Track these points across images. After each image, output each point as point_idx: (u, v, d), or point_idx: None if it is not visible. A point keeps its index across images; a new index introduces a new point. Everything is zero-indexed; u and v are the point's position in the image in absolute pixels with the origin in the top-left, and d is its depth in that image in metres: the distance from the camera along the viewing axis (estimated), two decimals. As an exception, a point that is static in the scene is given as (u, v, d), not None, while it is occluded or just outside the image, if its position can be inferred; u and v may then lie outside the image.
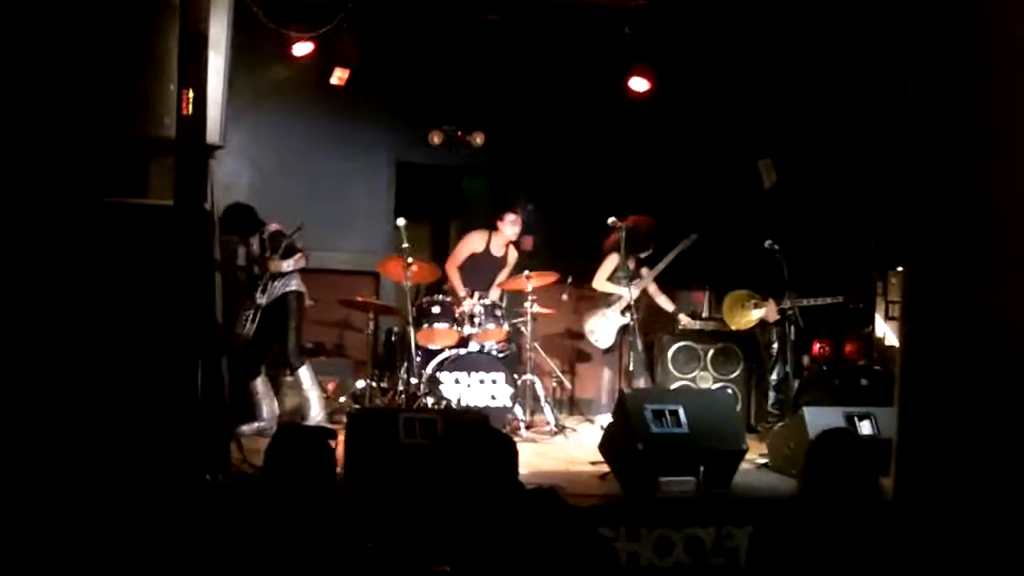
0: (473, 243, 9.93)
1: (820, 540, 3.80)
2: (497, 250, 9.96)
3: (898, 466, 4.56)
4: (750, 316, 9.71)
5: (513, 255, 10.08)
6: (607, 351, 9.87)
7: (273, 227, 8.75)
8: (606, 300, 9.78)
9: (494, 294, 9.85)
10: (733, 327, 9.93)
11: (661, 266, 9.73)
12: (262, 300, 8.63)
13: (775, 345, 9.68)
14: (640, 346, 9.54)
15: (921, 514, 4.36)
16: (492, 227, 9.94)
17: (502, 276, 9.96)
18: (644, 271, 9.82)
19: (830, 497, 3.89)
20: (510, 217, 9.88)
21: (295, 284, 8.80)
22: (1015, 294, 4.30)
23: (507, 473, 3.99)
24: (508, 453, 4.04)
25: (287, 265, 8.64)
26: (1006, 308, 4.29)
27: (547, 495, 3.47)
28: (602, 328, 9.78)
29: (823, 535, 3.81)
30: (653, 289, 9.93)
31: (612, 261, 9.75)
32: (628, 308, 9.57)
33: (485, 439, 4.07)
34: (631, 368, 9.55)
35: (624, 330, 9.74)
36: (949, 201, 4.51)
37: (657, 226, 9.77)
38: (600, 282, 9.82)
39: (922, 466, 4.47)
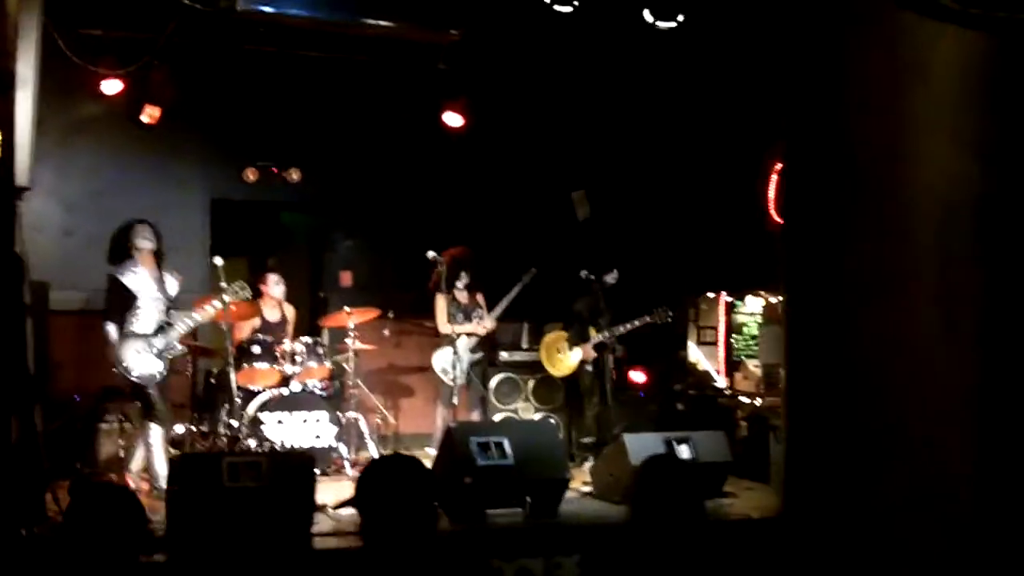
0: (249, 321, 9.55)
1: (652, 563, 3.93)
2: (272, 315, 9.70)
3: (787, 482, 4.69)
4: (569, 360, 9.94)
5: (290, 311, 9.86)
6: (446, 386, 9.70)
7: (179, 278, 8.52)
8: (450, 338, 9.68)
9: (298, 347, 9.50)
10: (556, 374, 10.13)
11: (504, 303, 9.84)
12: (161, 343, 8.23)
13: (590, 373, 9.90)
14: (472, 379, 9.68)
15: (809, 527, 4.50)
16: (257, 295, 9.54)
17: (289, 337, 9.61)
18: (479, 298, 9.90)
19: (659, 521, 4.02)
20: (272, 277, 9.75)
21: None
22: (889, 316, 4.49)
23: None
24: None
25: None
26: (880, 330, 4.48)
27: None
28: (455, 366, 9.60)
29: (654, 558, 3.93)
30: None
31: (441, 301, 9.82)
32: (478, 345, 9.75)
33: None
34: (454, 400, 9.55)
35: (474, 365, 9.83)
36: (826, 230, 4.67)
37: (469, 254, 9.88)
38: (443, 325, 9.84)
39: (809, 481, 4.61)
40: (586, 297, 9.95)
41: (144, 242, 8.29)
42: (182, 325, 8.33)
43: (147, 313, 8.23)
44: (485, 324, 9.82)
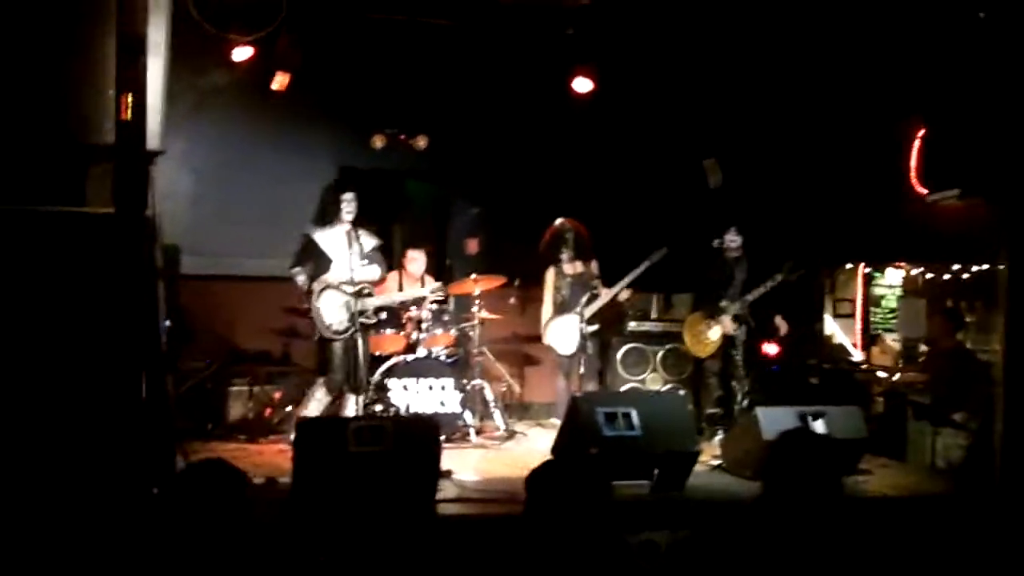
0: (385, 287, 9.53)
1: (786, 541, 3.75)
2: (410, 287, 9.70)
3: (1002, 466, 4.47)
4: (711, 338, 9.59)
5: (430, 284, 9.83)
6: (563, 356, 9.67)
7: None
8: (564, 307, 9.63)
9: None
10: (701, 355, 9.82)
11: (629, 279, 9.53)
12: (357, 305, 8.67)
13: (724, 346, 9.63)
14: (592, 350, 9.51)
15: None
16: (400, 267, 9.78)
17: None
18: (594, 267, 9.72)
19: (794, 498, 3.84)
20: (411, 254, 9.77)
21: None
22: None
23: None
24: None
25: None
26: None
27: None
28: (566, 336, 9.58)
29: (788, 536, 3.76)
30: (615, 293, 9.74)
31: (548, 276, 9.72)
32: (596, 316, 9.56)
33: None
34: (581, 370, 9.40)
35: (591, 336, 9.59)
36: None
37: (570, 227, 9.76)
38: (546, 305, 9.79)
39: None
40: (713, 266, 9.68)
41: (349, 215, 8.83)
42: (378, 299, 8.76)
43: (343, 272, 8.66)
44: (620, 295, 9.62)
